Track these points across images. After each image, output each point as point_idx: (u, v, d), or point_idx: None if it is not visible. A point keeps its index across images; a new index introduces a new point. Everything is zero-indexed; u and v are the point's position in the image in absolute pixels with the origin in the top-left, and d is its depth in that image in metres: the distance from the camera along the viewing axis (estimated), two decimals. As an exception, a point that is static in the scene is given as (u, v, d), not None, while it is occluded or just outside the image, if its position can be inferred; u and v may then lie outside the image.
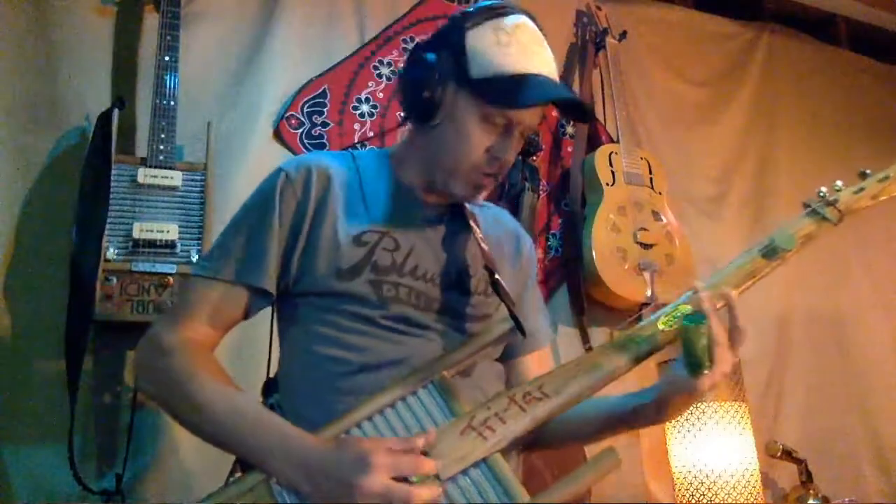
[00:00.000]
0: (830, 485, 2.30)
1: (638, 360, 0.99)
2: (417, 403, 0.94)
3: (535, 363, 1.22)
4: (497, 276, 1.10)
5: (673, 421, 2.16)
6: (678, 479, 2.13)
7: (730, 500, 2.01)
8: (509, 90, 1.04)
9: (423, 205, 1.15)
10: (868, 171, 1.20)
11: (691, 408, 1.06)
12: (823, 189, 1.16)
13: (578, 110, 1.18)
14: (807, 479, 2.21)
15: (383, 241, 1.08)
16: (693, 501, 2.06)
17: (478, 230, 1.16)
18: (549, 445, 1.18)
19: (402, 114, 1.17)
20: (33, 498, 1.61)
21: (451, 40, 1.08)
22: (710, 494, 2.03)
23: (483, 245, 1.13)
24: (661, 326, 1.00)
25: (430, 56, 1.09)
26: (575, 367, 0.97)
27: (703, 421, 2.10)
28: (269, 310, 1.15)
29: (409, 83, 1.11)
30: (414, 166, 1.15)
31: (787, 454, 2.19)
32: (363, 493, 0.84)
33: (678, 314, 1.01)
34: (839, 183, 1.17)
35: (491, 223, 1.24)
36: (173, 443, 1.77)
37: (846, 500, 2.22)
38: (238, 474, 1.01)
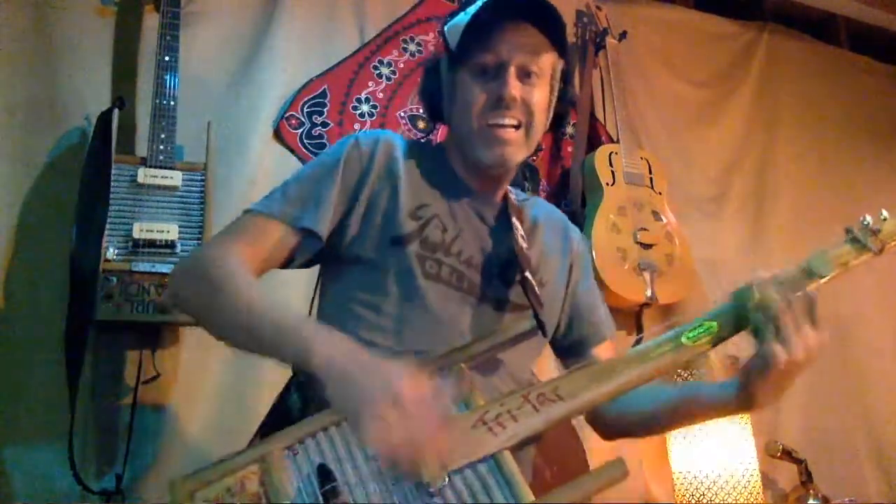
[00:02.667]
0: (830, 485, 2.30)
1: (657, 371, 0.98)
2: None
3: (603, 355, 1.23)
4: (527, 274, 1.10)
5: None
6: (678, 479, 2.13)
7: (730, 501, 2.01)
8: (472, 31, 1.08)
9: (474, 194, 1.17)
10: None
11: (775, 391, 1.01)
12: (868, 217, 1.10)
13: (538, 8, 1.10)
14: (807, 479, 2.21)
15: (435, 220, 1.11)
16: (693, 502, 2.06)
17: (519, 226, 1.17)
18: (608, 429, 1.21)
19: (403, 111, 1.20)
20: (33, 498, 1.61)
21: (440, 39, 1.16)
22: (709, 495, 2.03)
23: (521, 241, 1.15)
24: (684, 341, 0.99)
25: (428, 61, 1.18)
26: (593, 373, 0.96)
27: (703, 421, 2.10)
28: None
29: (421, 92, 1.21)
30: (458, 156, 1.18)
31: (787, 454, 2.19)
32: (401, 391, 0.80)
33: (703, 329, 1.00)
34: (885, 212, 1.12)
35: (539, 216, 1.25)
36: (173, 443, 1.77)
37: (846, 500, 2.22)
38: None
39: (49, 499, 1.61)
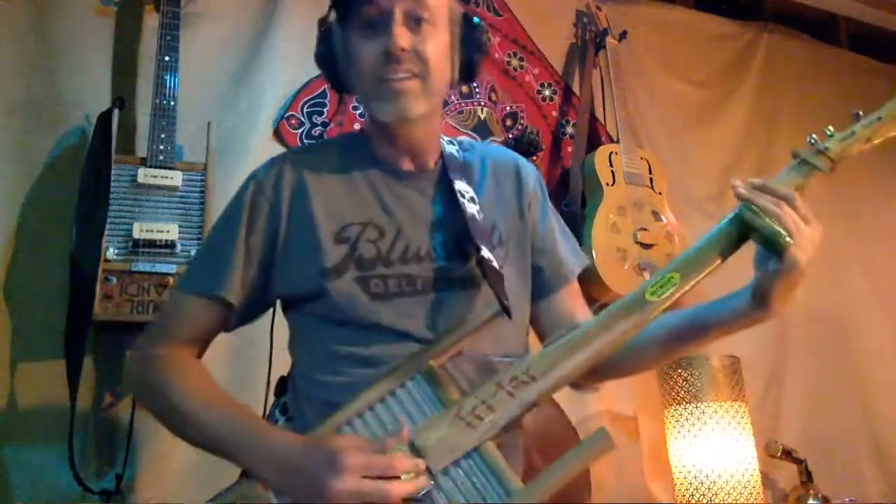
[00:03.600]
0: (830, 485, 2.30)
1: (628, 334, 0.96)
2: (406, 396, 0.93)
3: (568, 298, 1.18)
4: (484, 253, 1.04)
5: (671, 416, 2.17)
6: (678, 479, 2.13)
7: (730, 500, 2.01)
8: None
9: (407, 176, 1.11)
10: (860, 112, 1.17)
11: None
12: (814, 136, 1.12)
13: None
14: (807, 479, 2.21)
15: (366, 233, 1.05)
16: (693, 501, 2.06)
17: (466, 188, 1.10)
18: (615, 374, 1.14)
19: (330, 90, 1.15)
20: (33, 498, 1.61)
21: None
22: (709, 494, 2.03)
23: (471, 207, 1.08)
24: (648, 297, 0.96)
25: (319, 26, 1.11)
26: (563, 347, 0.94)
27: (703, 421, 2.10)
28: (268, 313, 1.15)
29: (316, 60, 1.13)
30: (374, 131, 1.12)
31: (787, 454, 2.19)
32: (334, 494, 0.83)
33: (665, 280, 0.97)
34: (830, 129, 1.13)
35: (487, 162, 1.18)
36: (173, 443, 1.74)
37: (846, 500, 2.22)
38: None
39: (49, 499, 1.61)
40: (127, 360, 1.12)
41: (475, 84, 2.40)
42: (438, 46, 1.05)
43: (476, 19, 1.11)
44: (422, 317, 1.03)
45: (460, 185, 1.10)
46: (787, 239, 0.94)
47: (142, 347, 1.09)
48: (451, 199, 1.10)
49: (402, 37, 1.01)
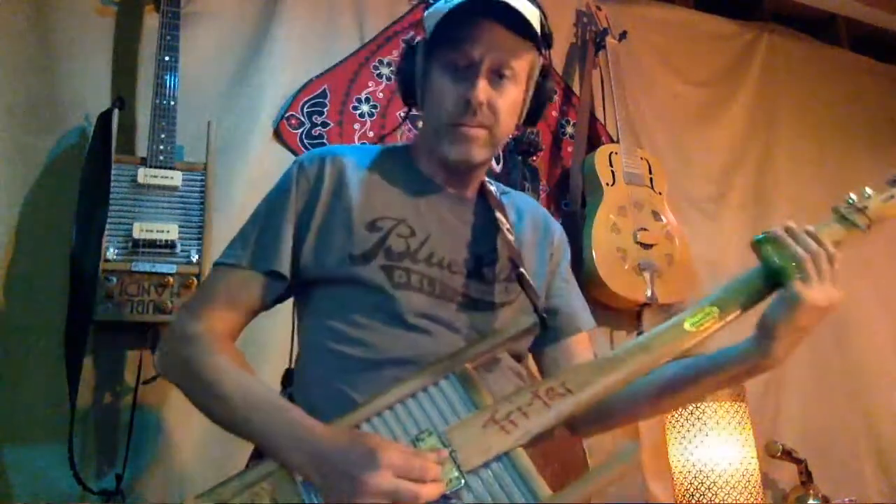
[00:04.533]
0: (830, 485, 2.30)
1: (663, 359, 0.99)
2: (439, 394, 0.94)
3: (578, 346, 1.21)
4: (522, 270, 1.09)
5: (671, 417, 2.17)
6: (678, 478, 2.13)
7: (730, 500, 2.01)
8: (447, 24, 1.06)
9: (444, 193, 1.16)
10: None
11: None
12: (853, 195, 1.14)
13: (514, 18, 1.06)
14: (807, 479, 2.21)
15: (398, 228, 1.09)
16: (693, 501, 2.06)
17: (504, 219, 1.15)
18: (610, 423, 1.18)
19: (403, 111, 1.20)
20: (33, 498, 1.61)
21: (420, 25, 1.15)
22: (709, 494, 2.03)
23: (509, 235, 1.13)
24: (687, 327, 0.99)
25: (407, 42, 1.14)
26: (599, 364, 0.96)
27: (703, 421, 2.10)
28: (274, 309, 1.15)
29: (398, 72, 1.18)
30: (425, 152, 1.17)
31: (787, 454, 2.19)
32: (369, 490, 0.83)
33: (705, 313, 1.00)
34: (868, 190, 1.15)
35: (520, 210, 1.24)
36: (173, 443, 1.77)
37: (846, 500, 2.22)
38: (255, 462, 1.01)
39: (49, 499, 1.61)
40: (167, 335, 1.11)
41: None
42: (513, 102, 1.11)
43: (550, 68, 1.17)
44: (436, 319, 1.06)
45: (500, 217, 1.16)
46: (798, 275, 0.97)
47: (183, 322, 1.08)
48: (483, 224, 1.15)
49: (483, 90, 1.06)
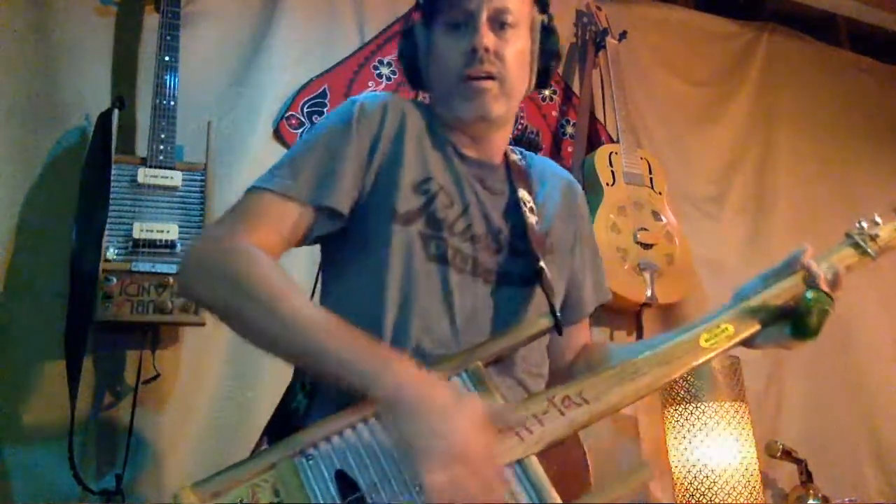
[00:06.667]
0: (830, 485, 2.30)
1: (678, 373, 1.00)
2: None
3: (575, 332, 1.22)
4: (542, 265, 1.07)
5: (671, 417, 2.17)
6: (678, 478, 2.13)
7: (730, 500, 2.01)
8: None
9: (474, 162, 1.13)
10: None
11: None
12: (864, 222, 1.16)
13: None
14: (807, 479, 2.20)
15: (441, 195, 1.06)
16: (693, 501, 2.06)
17: (528, 196, 1.13)
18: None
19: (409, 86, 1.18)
20: (33, 498, 1.61)
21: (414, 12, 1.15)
22: (709, 494, 2.03)
23: (531, 216, 1.10)
24: (703, 344, 1.00)
25: (404, 26, 1.17)
26: (616, 374, 0.96)
27: (703, 421, 2.10)
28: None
29: (399, 56, 1.17)
30: (446, 120, 1.13)
31: (787, 454, 2.18)
32: (470, 454, 0.76)
33: (720, 331, 1.02)
34: (878, 217, 1.17)
35: (544, 177, 1.22)
36: (173, 443, 1.77)
37: (846, 500, 2.22)
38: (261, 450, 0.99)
39: (49, 499, 1.61)
40: (204, 247, 0.99)
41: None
42: (518, 51, 1.09)
43: (554, 27, 1.16)
44: (463, 295, 1.03)
45: (522, 194, 1.13)
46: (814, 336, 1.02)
47: (221, 237, 0.97)
48: (511, 202, 1.13)
49: (487, 37, 1.05)
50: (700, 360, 1.00)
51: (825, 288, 1.03)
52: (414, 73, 1.16)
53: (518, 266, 1.09)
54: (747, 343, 1.05)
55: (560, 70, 2.64)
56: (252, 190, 1.02)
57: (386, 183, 1.04)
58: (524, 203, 1.12)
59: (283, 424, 1.02)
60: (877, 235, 1.15)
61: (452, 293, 1.02)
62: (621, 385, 0.95)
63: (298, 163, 1.03)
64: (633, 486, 0.88)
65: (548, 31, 1.15)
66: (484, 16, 1.05)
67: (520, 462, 0.86)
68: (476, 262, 1.06)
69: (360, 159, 1.04)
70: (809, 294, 1.02)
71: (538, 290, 1.08)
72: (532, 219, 1.11)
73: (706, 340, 1.01)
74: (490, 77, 1.06)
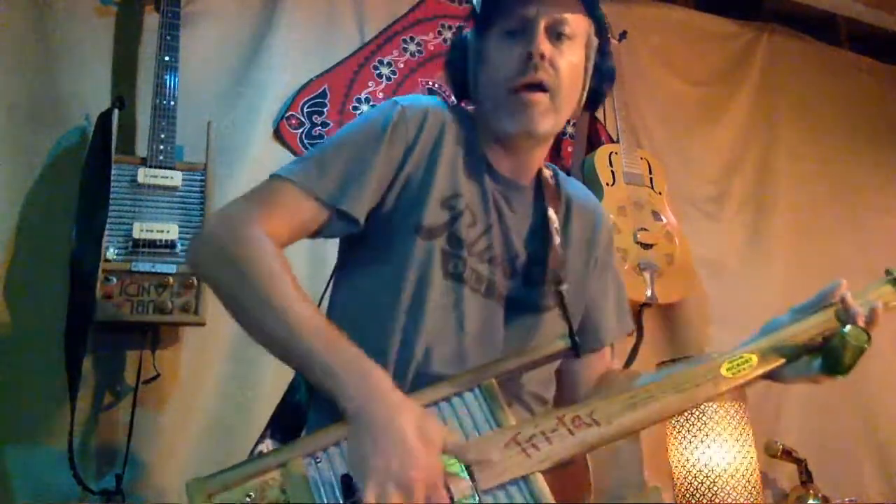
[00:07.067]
0: (830, 485, 2.30)
1: (695, 401, 0.98)
2: (461, 405, 0.92)
3: (597, 360, 1.20)
4: (562, 289, 1.06)
5: (673, 421, 2.17)
6: (678, 478, 2.13)
7: (730, 500, 2.01)
8: None
9: (504, 181, 1.11)
10: None
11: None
12: None
13: None
14: (807, 479, 2.20)
15: (466, 213, 1.05)
16: (693, 501, 2.06)
17: (555, 217, 1.11)
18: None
19: (453, 96, 1.16)
20: (33, 498, 1.61)
21: (469, 17, 1.13)
22: (709, 494, 2.03)
23: (556, 237, 1.09)
24: (724, 373, 0.98)
25: (455, 37, 1.17)
26: (629, 398, 0.94)
27: (703, 421, 2.10)
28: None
29: (447, 65, 1.15)
30: (486, 134, 1.11)
31: (787, 454, 2.18)
32: (422, 466, 0.78)
33: (743, 360, 1.00)
34: None
35: (573, 199, 1.19)
36: (173, 443, 1.77)
37: (846, 500, 2.22)
38: (266, 445, 0.99)
39: (49, 499, 1.61)
40: (220, 226, 0.99)
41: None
42: (573, 64, 1.07)
43: (611, 51, 1.14)
44: (475, 316, 1.03)
45: (551, 214, 1.12)
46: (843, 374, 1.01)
47: (237, 219, 0.97)
48: (536, 223, 1.11)
49: (544, 43, 1.03)
50: (720, 389, 0.97)
51: (861, 324, 1.02)
52: (461, 83, 1.13)
53: (531, 293, 1.08)
54: (773, 376, 1.02)
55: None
56: (275, 177, 1.02)
57: (414, 194, 1.04)
58: (551, 223, 1.10)
59: (287, 417, 1.03)
60: None
61: (464, 312, 1.02)
62: (634, 410, 0.93)
63: (327, 160, 1.02)
64: None
65: (604, 53, 1.13)
66: (542, 24, 1.04)
67: (524, 478, 0.85)
68: (491, 284, 1.05)
69: (388, 169, 1.03)
70: (846, 329, 1.00)
71: (549, 318, 1.08)
72: (557, 240, 1.10)
73: (727, 370, 0.98)
74: (542, 89, 1.04)
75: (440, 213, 1.03)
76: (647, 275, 2.28)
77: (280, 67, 2.15)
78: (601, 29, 1.13)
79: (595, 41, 1.11)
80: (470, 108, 1.17)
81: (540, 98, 1.04)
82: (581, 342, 1.14)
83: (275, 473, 0.84)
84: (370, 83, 2.27)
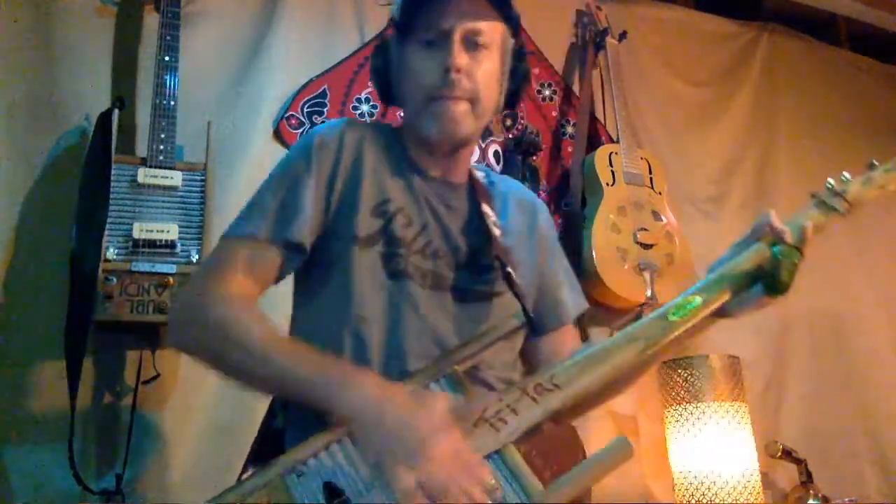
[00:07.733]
0: (830, 485, 2.30)
1: (651, 350, 0.98)
2: None
3: (562, 337, 1.21)
4: (509, 269, 1.09)
5: (671, 417, 2.17)
6: (678, 479, 2.13)
7: (730, 501, 2.01)
8: (412, 5, 1.07)
9: (435, 180, 1.15)
10: (875, 162, 1.22)
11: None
12: (831, 180, 1.17)
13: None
14: (807, 479, 2.21)
15: (399, 215, 1.08)
16: (693, 501, 2.06)
17: (490, 211, 1.15)
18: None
19: (379, 102, 1.21)
20: (33, 498, 1.61)
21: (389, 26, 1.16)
22: (709, 494, 2.03)
23: (495, 229, 1.12)
24: (670, 318, 0.99)
25: (377, 42, 1.18)
26: (586, 359, 0.96)
27: (703, 421, 2.10)
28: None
29: (372, 72, 1.18)
30: (412, 138, 1.15)
31: (787, 454, 2.18)
32: (434, 452, 0.82)
33: (688, 304, 1.01)
34: (846, 175, 1.18)
35: (508, 194, 1.23)
36: (173, 443, 1.77)
37: (846, 500, 2.22)
38: (249, 473, 1.00)
39: (49, 499, 1.61)
40: (181, 303, 1.08)
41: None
42: (490, 71, 1.11)
43: (525, 51, 1.17)
44: (425, 309, 1.05)
45: (486, 209, 1.15)
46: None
47: (204, 287, 1.03)
48: (473, 218, 1.14)
49: (461, 56, 1.06)
50: (670, 335, 0.98)
51: (790, 241, 1.04)
52: (384, 89, 1.17)
53: (479, 281, 1.11)
54: (721, 313, 1.05)
55: (560, 70, 2.64)
56: (223, 239, 1.07)
57: (346, 209, 1.07)
58: (487, 217, 1.14)
59: (266, 446, 1.03)
60: (845, 191, 1.16)
61: (415, 307, 1.05)
62: (592, 367, 0.95)
63: (261, 202, 1.07)
64: (614, 461, 0.88)
65: (519, 55, 1.16)
66: (458, 35, 1.07)
67: (498, 452, 0.87)
68: (437, 277, 1.08)
69: (321, 188, 1.07)
70: (777, 249, 1.02)
71: (501, 302, 1.11)
72: (496, 231, 1.13)
73: (673, 314, 1.00)
74: (461, 98, 1.08)
75: (373, 222, 1.07)
76: (647, 275, 2.28)
77: (280, 67, 2.15)
78: (516, 29, 1.16)
79: (511, 43, 1.15)
80: (399, 112, 1.21)
81: (460, 107, 1.08)
82: (543, 323, 1.18)
83: (261, 493, 0.85)
84: (370, 83, 2.27)
